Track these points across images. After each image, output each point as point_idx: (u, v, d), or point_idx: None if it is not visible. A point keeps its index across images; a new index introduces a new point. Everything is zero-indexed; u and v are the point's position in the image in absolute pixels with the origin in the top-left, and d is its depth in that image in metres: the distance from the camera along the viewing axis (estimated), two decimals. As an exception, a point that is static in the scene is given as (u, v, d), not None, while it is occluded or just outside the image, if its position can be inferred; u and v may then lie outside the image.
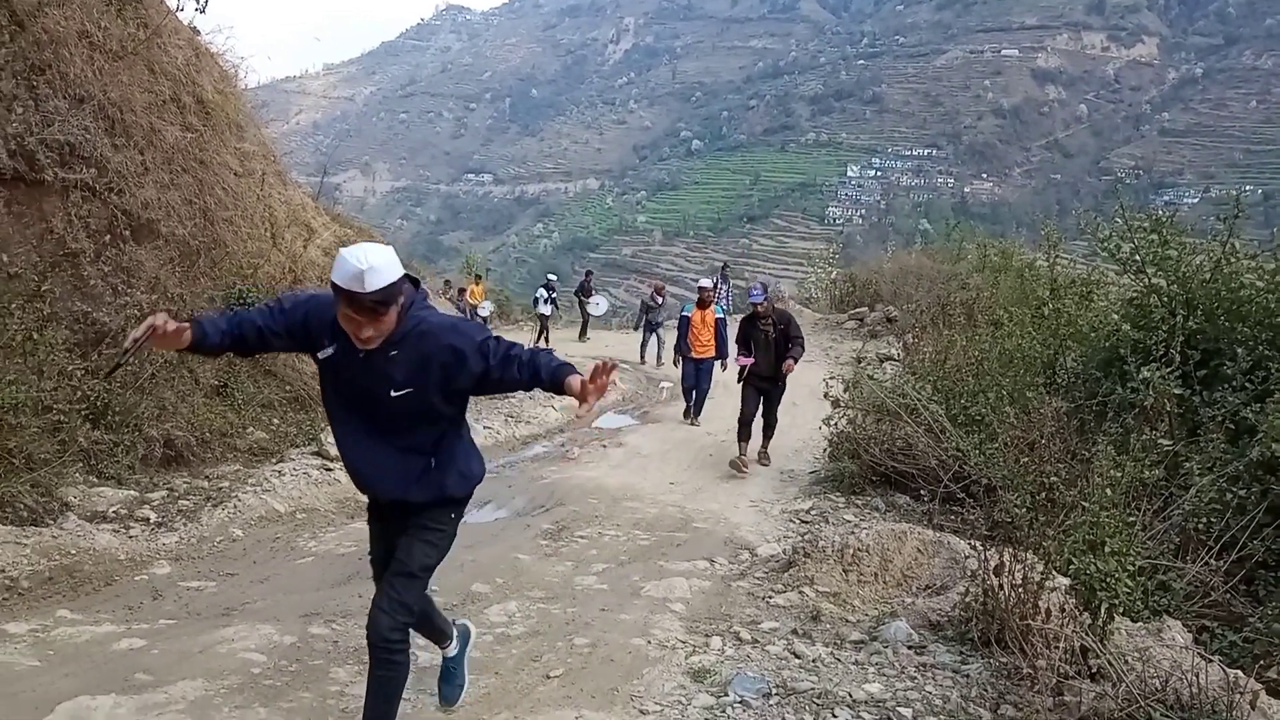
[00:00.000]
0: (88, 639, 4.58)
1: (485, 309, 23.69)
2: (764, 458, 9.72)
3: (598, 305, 24.50)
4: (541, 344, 20.80)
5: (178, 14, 9.65)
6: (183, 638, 4.59)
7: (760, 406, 9.52)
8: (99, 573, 5.77)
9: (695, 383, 12.01)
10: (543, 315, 21.48)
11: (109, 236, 7.82)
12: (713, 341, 11.63)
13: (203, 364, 8.46)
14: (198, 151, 9.11)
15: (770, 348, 9.33)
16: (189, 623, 4.91)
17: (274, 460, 8.39)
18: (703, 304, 12.02)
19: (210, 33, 10.57)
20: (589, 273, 25.84)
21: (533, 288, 24.63)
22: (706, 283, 13.15)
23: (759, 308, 9.36)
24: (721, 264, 24.26)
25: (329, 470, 8.49)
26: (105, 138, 7.97)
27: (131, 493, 7.04)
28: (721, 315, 11.95)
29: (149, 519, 6.72)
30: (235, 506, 7.22)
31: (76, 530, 6.17)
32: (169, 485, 7.42)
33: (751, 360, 9.37)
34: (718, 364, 11.74)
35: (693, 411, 12.18)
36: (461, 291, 22.85)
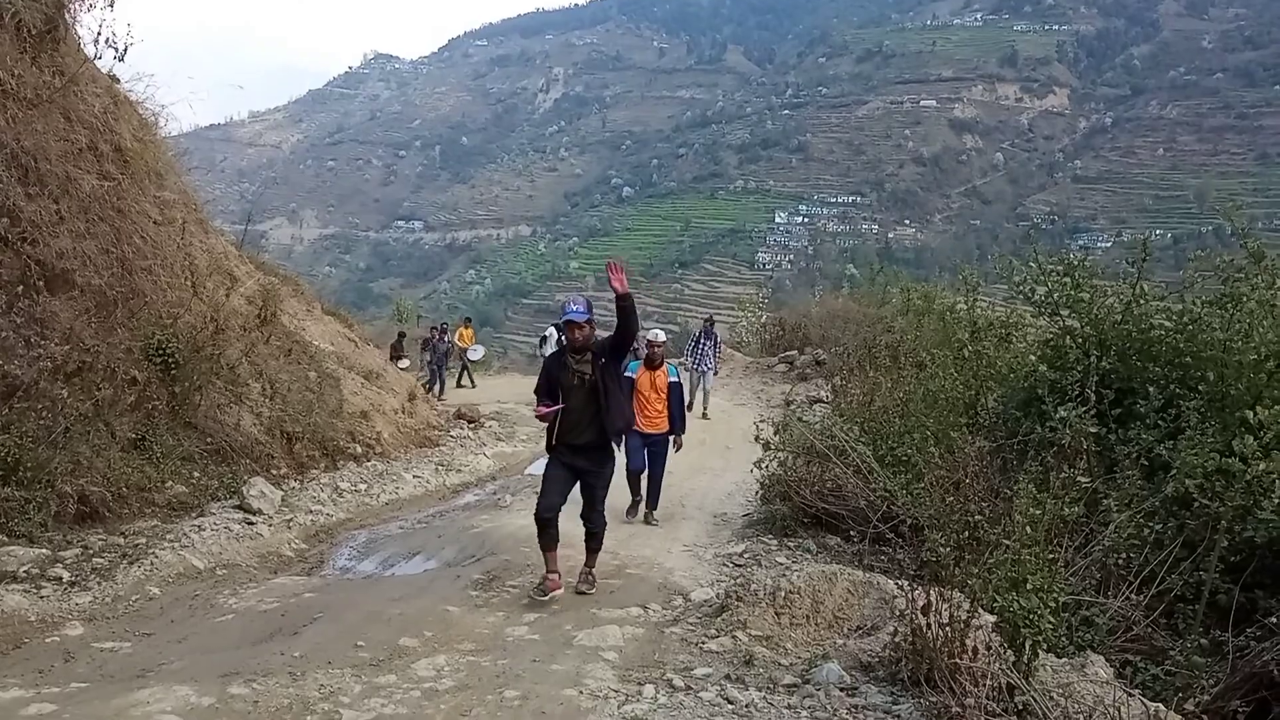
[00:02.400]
0: (-9, 707, 4.36)
1: (476, 353, 23.82)
2: (585, 581, 6.62)
3: (476, 350, 24.47)
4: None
5: (95, 61, 9.48)
6: (95, 701, 4.40)
7: (572, 491, 6.56)
8: (7, 635, 5.52)
9: (646, 466, 9.20)
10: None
11: (22, 287, 7.59)
12: (666, 412, 9.15)
13: (120, 416, 8.21)
14: (115, 200, 8.92)
15: (590, 398, 6.29)
16: (102, 685, 4.71)
17: (194, 515, 8.15)
18: (651, 363, 9.28)
19: (130, 80, 10.37)
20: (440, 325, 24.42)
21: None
22: (658, 335, 10.06)
23: (576, 333, 6.30)
24: (705, 317, 20.23)
25: (251, 524, 8.29)
26: (18, 186, 7.76)
27: (43, 551, 6.76)
28: (676, 379, 9.34)
29: (61, 578, 6.46)
30: (152, 564, 6.98)
31: (-18, 593, 5.90)
32: (83, 543, 7.14)
33: (557, 409, 6.29)
34: (671, 442, 9.23)
35: (646, 504, 9.25)
36: (443, 333, 22.12)
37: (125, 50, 9.41)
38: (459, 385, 22.44)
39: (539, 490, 6.60)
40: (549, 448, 6.55)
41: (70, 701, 4.42)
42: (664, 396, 9.17)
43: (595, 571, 6.72)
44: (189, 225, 10.44)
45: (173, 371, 8.87)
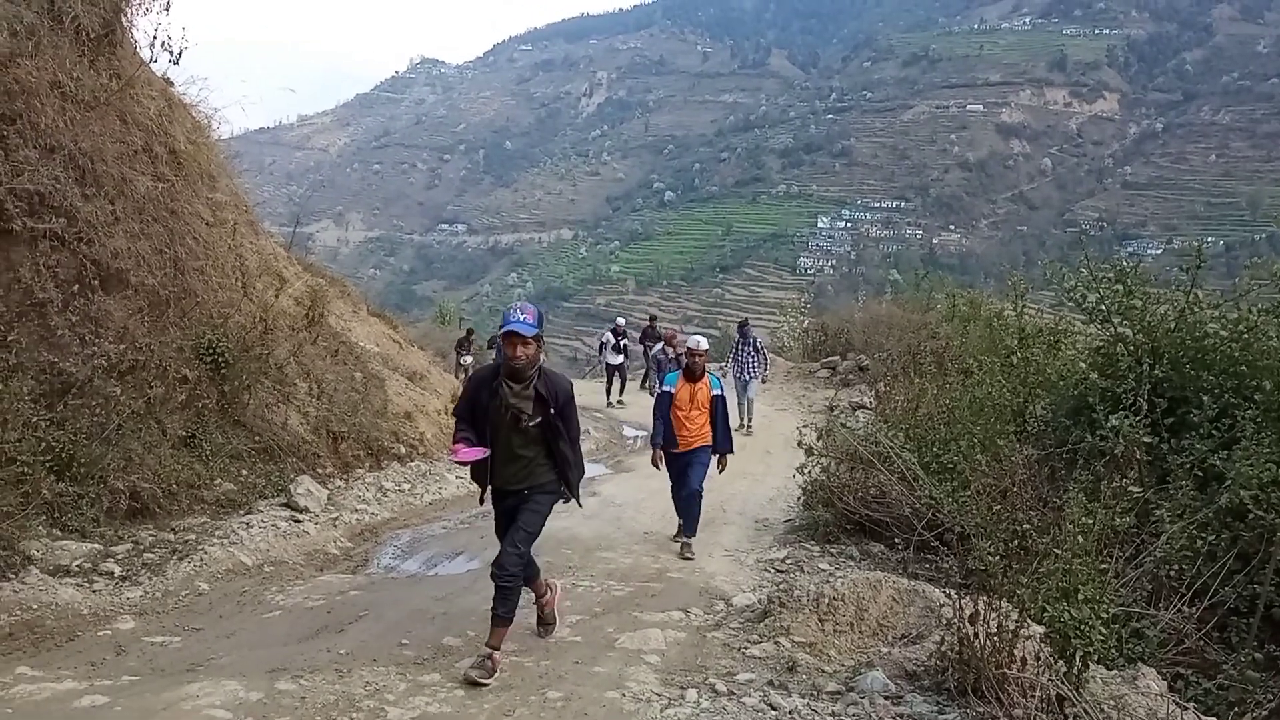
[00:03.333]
0: (48, 696, 4.46)
1: None
2: (480, 667, 4.84)
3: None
4: (615, 398, 19.57)
5: (151, 65, 9.66)
6: (146, 695, 4.48)
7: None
8: (61, 628, 5.64)
9: (686, 485, 8.18)
10: (610, 365, 19.90)
11: (77, 286, 7.75)
12: (708, 428, 8.22)
13: (170, 414, 8.35)
14: (169, 201, 9.08)
15: (527, 444, 5.08)
16: (153, 679, 4.79)
17: (242, 512, 8.26)
18: (692, 375, 8.24)
19: (184, 84, 10.57)
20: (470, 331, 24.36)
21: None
22: (700, 342, 8.59)
23: (518, 351, 4.87)
24: (741, 321, 18.30)
25: (298, 522, 8.39)
26: (75, 187, 7.92)
27: (96, 546, 6.90)
28: (719, 391, 8.26)
29: (113, 573, 6.58)
30: (201, 559, 7.09)
31: (38, 585, 6.03)
32: (134, 538, 7.28)
33: (479, 454, 4.97)
34: (716, 460, 8.39)
35: (682, 532, 8.30)
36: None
37: (180, 54, 9.58)
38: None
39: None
40: (483, 497, 5.35)
41: (122, 694, 4.50)
42: (706, 411, 8.19)
43: (498, 657, 4.93)
44: (240, 227, 10.60)
45: (222, 371, 9.00)
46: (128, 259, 8.31)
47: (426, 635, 5.50)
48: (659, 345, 18.87)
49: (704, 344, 8.64)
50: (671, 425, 8.22)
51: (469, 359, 22.56)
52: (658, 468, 8.37)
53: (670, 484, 8.46)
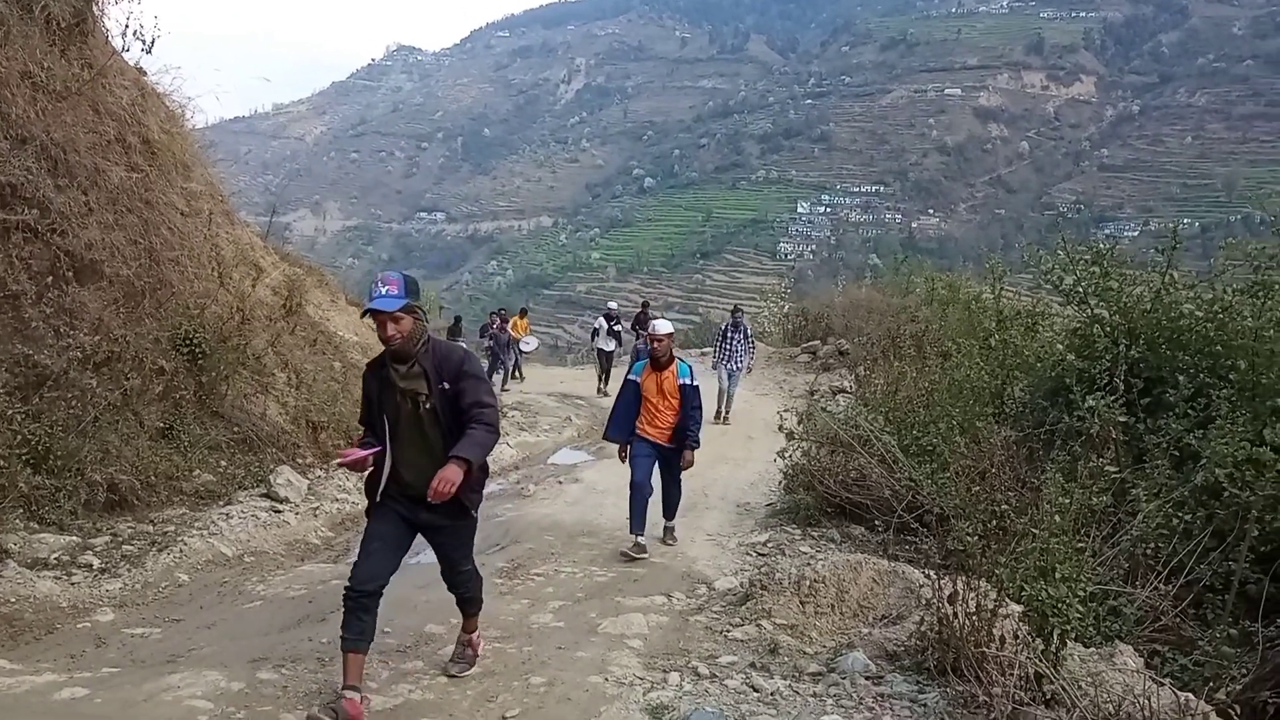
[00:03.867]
0: (27, 689, 4.43)
1: (529, 344, 22.15)
2: (461, 658, 4.86)
3: (528, 342, 22.50)
4: (603, 385, 18.82)
5: (123, 54, 9.55)
6: (126, 686, 4.46)
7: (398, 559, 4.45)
8: (40, 621, 5.61)
9: (649, 483, 7.56)
10: (603, 351, 19.43)
11: (51, 278, 7.68)
12: (673, 424, 7.61)
13: (148, 405, 8.29)
14: (143, 191, 8.99)
15: (430, 431, 4.36)
16: (133, 671, 4.77)
17: (221, 503, 8.22)
18: (658, 363, 7.63)
19: (157, 73, 10.46)
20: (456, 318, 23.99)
21: (474, 324, 23.92)
22: (662, 326, 7.86)
23: (390, 330, 4.20)
24: (732, 307, 17.46)
25: (278, 512, 8.36)
26: (48, 178, 7.84)
27: (74, 539, 6.85)
28: (688, 380, 7.61)
29: (92, 565, 6.54)
30: (181, 551, 7.06)
31: (16, 578, 5.99)
32: (113, 530, 7.23)
33: (368, 454, 4.33)
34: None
35: (663, 515, 7.93)
36: (505, 321, 20.89)
37: (153, 43, 9.47)
38: (510, 378, 20.62)
39: (363, 538, 4.45)
40: (371, 507, 4.51)
41: (102, 686, 4.48)
42: (675, 403, 7.58)
43: (478, 638, 4.93)
44: (215, 216, 10.52)
45: (200, 361, 8.94)
46: (102, 250, 8.23)
47: (409, 624, 5.49)
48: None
49: (666, 328, 7.85)
50: (639, 417, 7.64)
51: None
52: (624, 460, 7.81)
53: (631, 473, 7.61)
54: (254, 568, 7.19)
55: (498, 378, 19.59)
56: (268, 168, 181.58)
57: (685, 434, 7.61)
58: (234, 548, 7.47)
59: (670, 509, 7.98)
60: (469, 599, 4.81)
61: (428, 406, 4.31)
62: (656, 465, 7.67)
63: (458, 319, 23.90)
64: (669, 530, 7.97)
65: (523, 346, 21.54)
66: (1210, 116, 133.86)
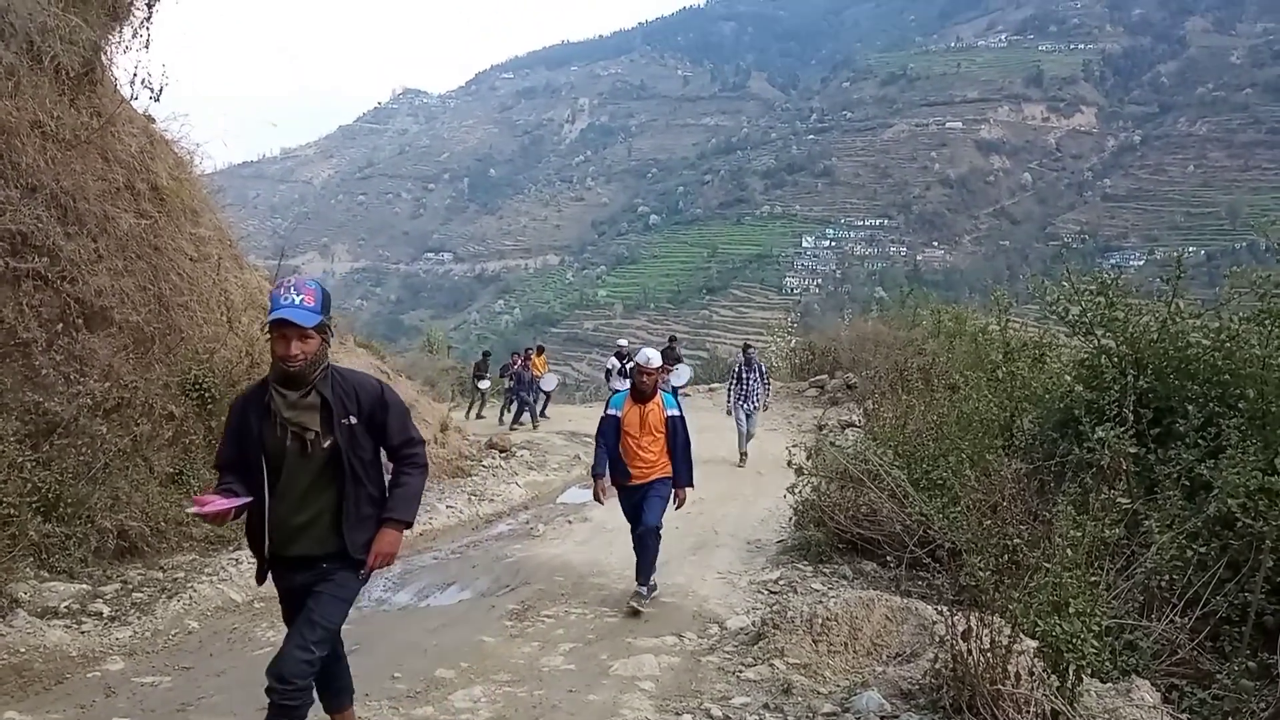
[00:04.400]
0: (35, 742, 4.40)
1: (549, 383, 21.41)
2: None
3: (549, 380, 21.63)
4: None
5: (131, 102, 9.68)
6: (135, 737, 4.43)
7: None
8: (49, 670, 5.58)
9: (641, 522, 7.04)
10: (617, 391, 18.77)
11: (61, 325, 7.73)
12: (663, 458, 7.11)
13: (157, 451, 8.31)
14: (152, 238, 9.07)
15: (320, 477, 3.64)
16: (142, 721, 4.74)
17: (231, 548, 8.20)
18: (641, 395, 7.13)
19: (165, 120, 10.58)
20: (485, 354, 24.08)
21: (495, 364, 23.89)
22: (651, 359, 7.33)
23: (292, 348, 3.52)
24: (743, 345, 16.81)
25: (288, 556, 8.33)
26: (58, 226, 7.91)
27: (84, 586, 6.84)
28: (676, 411, 7.16)
29: (102, 613, 6.52)
30: (191, 597, 7.04)
31: (26, 627, 5.97)
32: (123, 577, 7.22)
33: (231, 505, 3.56)
34: (673, 495, 7.18)
35: (636, 577, 7.17)
36: (527, 359, 20.55)
37: (160, 91, 9.59)
38: (520, 419, 19.97)
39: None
40: (260, 570, 3.83)
41: (112, 735, 4.46)
42: (661, 436, 7.07)
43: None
44: (224, 261, 10.58)
45: (209, 406, 8.97)
46: (111, 296, 8.29)
47: (419, 668, 5.46)
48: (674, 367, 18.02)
49: (655, 360, 7.31)
50: (620, 454, 7.11)
51: (486, 384, 22.30)
52: (600, 501, 7.31)
53: (629, 523, 7.27)
54: (264, 613, 7.16)
55: (525, 417, 19.53)
56: (276, 211, 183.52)
57: (678, 471, 7.09)
58: (243, 593, 7.44)
59: (644, 569, 7.10)
60: (340, 689, 3.95)
61: (324, 446, 3.49)
62: (637, 508, 7.10)
63: (486, 354, 24.07)
64: (638, 596, 6.99)
65: (543, 385, 21.09)
66: (1212, 145, 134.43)
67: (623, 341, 20.36)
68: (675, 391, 14.35)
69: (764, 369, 15.55)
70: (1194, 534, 5.76)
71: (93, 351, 7.97)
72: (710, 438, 14.96)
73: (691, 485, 7.22)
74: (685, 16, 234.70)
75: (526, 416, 19.79)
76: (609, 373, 19.64)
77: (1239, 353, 6.77)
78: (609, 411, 7.24)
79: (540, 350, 22.30)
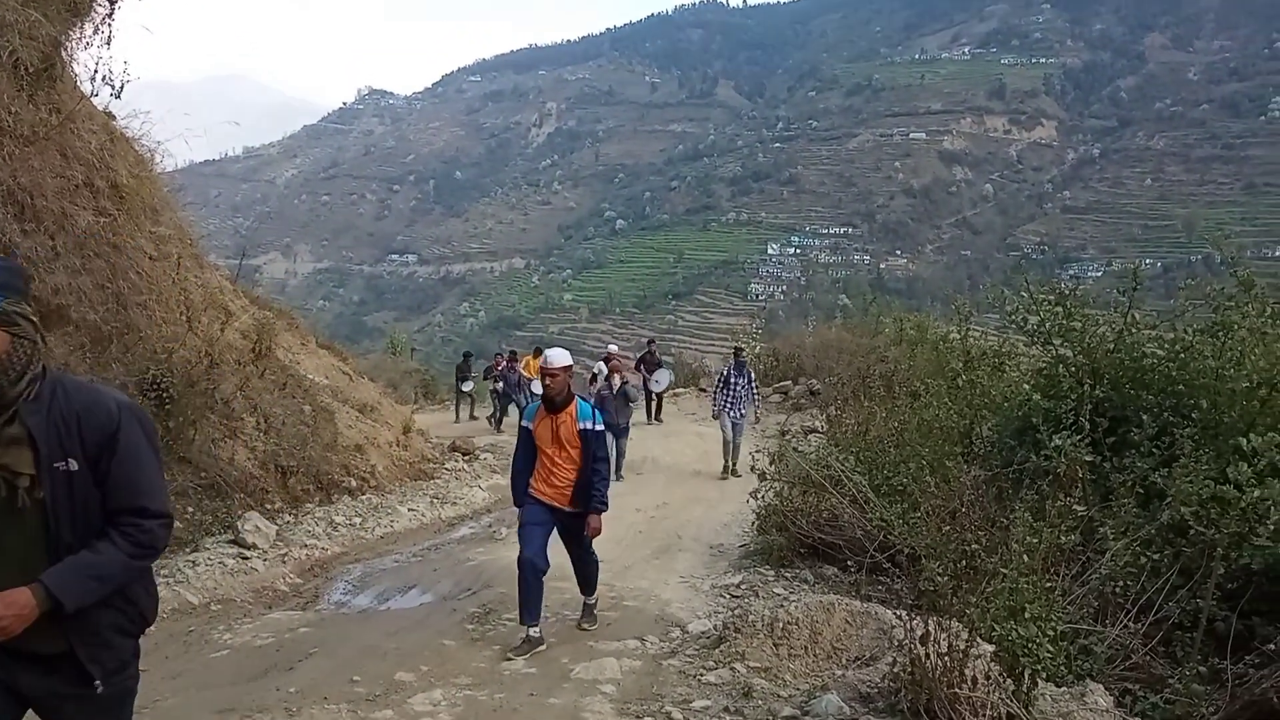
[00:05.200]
0: (-17, 747, 4.31)
1: (539, 386, 21.20)
2: None
3: (539, 384, 21.19)
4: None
5: (92, 99, 9.55)
6: (87, 741, 4.35)
7: None
8: None
9: (545, 560, 6.06)
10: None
11: (16, 322, 7.59)
12: (574, 481, 6.10)
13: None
14: (111, 236, 8.94)
15: (20, 541, 2.45)
16: (94, 725, 4.66)
17: (188, 550, 8.10)
18: (552, 404, 6.13)
19: (125, 118, 10.44)
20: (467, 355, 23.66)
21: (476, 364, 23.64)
22: (557, 359, 6.21)
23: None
24: (734, 348, 15.57)
25: (245, 559, 8.25)
26: (14, 223, 7.79)
27: (35, 589, 6.71)
28: (590, 424, 6.10)
29: (53, 616, 6.40)
30: (146, 600, 6.93)
31: (-27, 630, 5.85)
32: (75, 580, 7.09)
33: None
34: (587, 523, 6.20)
35: (580, 589, 6.67)
36: (513, 361, 20.42)
37: (122, 88, 9.49)
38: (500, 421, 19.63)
39: None
40: None
41: (63, 740, 4.37)
42: (575, 454, 6.07)
43: None
44: (184, 260, 10.46)
45: (167, 406, 8.85)
46: (69, 295, 8.17)
47: (379, 671, 5.42)
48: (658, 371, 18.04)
49: (562, 360, 6.17)
50: (536, 473, 6.17)
51: (470, 385, 22.03)
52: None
53: (520, 547, 6.14)
54: (221, 616, 7.08)
55: (509, 420, 19.00)
56: (238, 211, 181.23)
57: (589, 494, 6.05)
58: (201, 595, 7.36)
59: (588, 583, 6.57)
60: None
61: (37, 497, 2.44)
62: (557, 534, 6.28)
63: (467, 355, 23.71)
64: (588, 610, 6.59)
65: (534, 388, 20.80)
66: (1169, 159, 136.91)
67: (613, 346, 19.23)
68: (628, 395, 13.37)
69: (753, 377, 14.51)
70: (1148, 541, 5.86)
71: (49, 350, 7.83)
72: (676, 444, 14.97)
73: (603, 508, 6.15)
74: (654, 23, 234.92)
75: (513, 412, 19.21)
76: (594, 377, 19.15)
77: (1193, 364, 6.91)
78: (522, 423, 6.36)
79: (537, 352, 20.78)
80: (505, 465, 14.80)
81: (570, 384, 6.22)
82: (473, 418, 21.86)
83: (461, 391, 22.18)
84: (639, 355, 21.40)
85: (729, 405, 13.75)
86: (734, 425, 13.76)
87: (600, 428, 6.18)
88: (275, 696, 4.97)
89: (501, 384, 19.96)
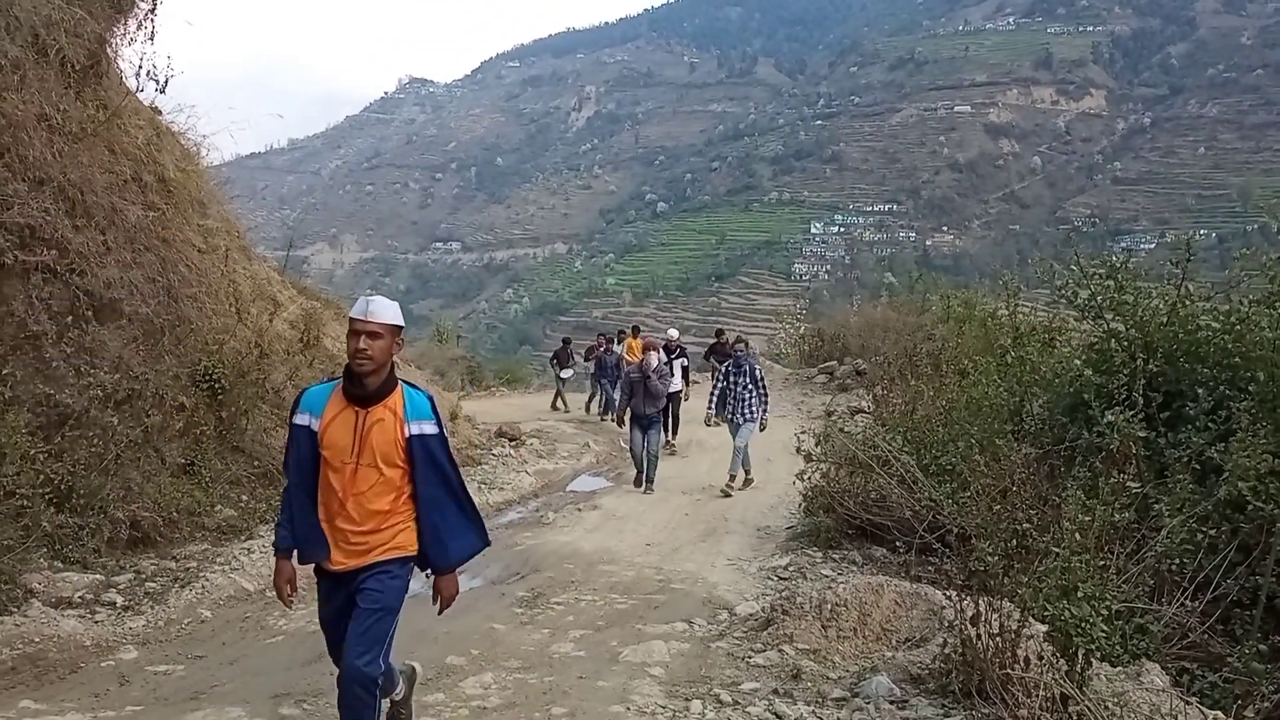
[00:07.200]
0: (50, 731, 4.44)
1: (567, 373, 20.66)
2: None
3: (566, 372, 20.76)
4: (671, 437, 15.19)
5: (138, 94, 9.68)
6: (149, 725, 4.47)
7: None
8: (64, 660, 5.62)
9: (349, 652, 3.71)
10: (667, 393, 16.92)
11: (71, 317, 7.75)
12: (401, 514, 3.77)
13: (169, 442, 8.34)
14: (160, 229, 9.08)
15: None
16: (156, 708, 4.78)
17: (243, 538, 8.24)
18: (358, 388, 3.65)
19: (171, 112, 10.57)
20: (566, 340, 22.25)
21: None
22: (380, 309, 3.79)
23: None
24: (737, 338, 13.90)
25: (299, 546, 8.37)
26: (66, 219, 7.93)
27: (97, 576, 6.88)
28: (434, 428, 3.74)
29: (115, 603, 6.56)
30: (203, 587, 7.08)
31: (40, 617, 6.01)
32: (136, 567, 7.26)
33: None
34: (432, 588, 4.16)
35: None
36: (611, 344, 19.08)
37: (166, 82, 9.61)
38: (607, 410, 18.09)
39: None
40: None
41: (126, 724, 4.49)
42: (397, 474, 3.70)
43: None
44: (232, 252, 10.60)
45: (219, 397, 9.01)
46: (120, 288, 8.31)
47: (430, 655, 5.48)
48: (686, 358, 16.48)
49: (385, 313, 3.81)
50: (318, 505, 3.75)
51: (569, 373, 20.85)
52: (287, 600, 4.04)
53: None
54: (276, 602, 7.17)
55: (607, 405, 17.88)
56: (284, 202, 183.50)
57: (436, 540, 3.85)
58: (256, 582, 7.48)
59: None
60: None
61: None
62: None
63: (566, 340, 21.87)
64: None
65: (562, 375, 20.42)
66: (1222, 127, 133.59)
67: (673, 332, 17.87)
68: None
69: (761, 374, 11.95)
70: (1204, 518, 5.75)
71: (103, 343, 8.00)
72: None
73: (449, 568, 3.97)
74: (691, 2, 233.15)
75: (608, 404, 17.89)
76: (603, 348, 18.54)
77: (1249, 335, 6.73)
78: (295, 418, 3.77)
79: (636, 331, 19.60)
80: (551, 450, 14.90)
81: (397, 357, 3.85)
82: (553, 408, 20.18)
83: (559, 379, 20.83)
84: (710, 346, 20.25)
85: (733, 407, 11.53)
86: (736, 429, 11.45)
87: (444, 434, 3.84)
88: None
89: (597, 368, 18.55)
